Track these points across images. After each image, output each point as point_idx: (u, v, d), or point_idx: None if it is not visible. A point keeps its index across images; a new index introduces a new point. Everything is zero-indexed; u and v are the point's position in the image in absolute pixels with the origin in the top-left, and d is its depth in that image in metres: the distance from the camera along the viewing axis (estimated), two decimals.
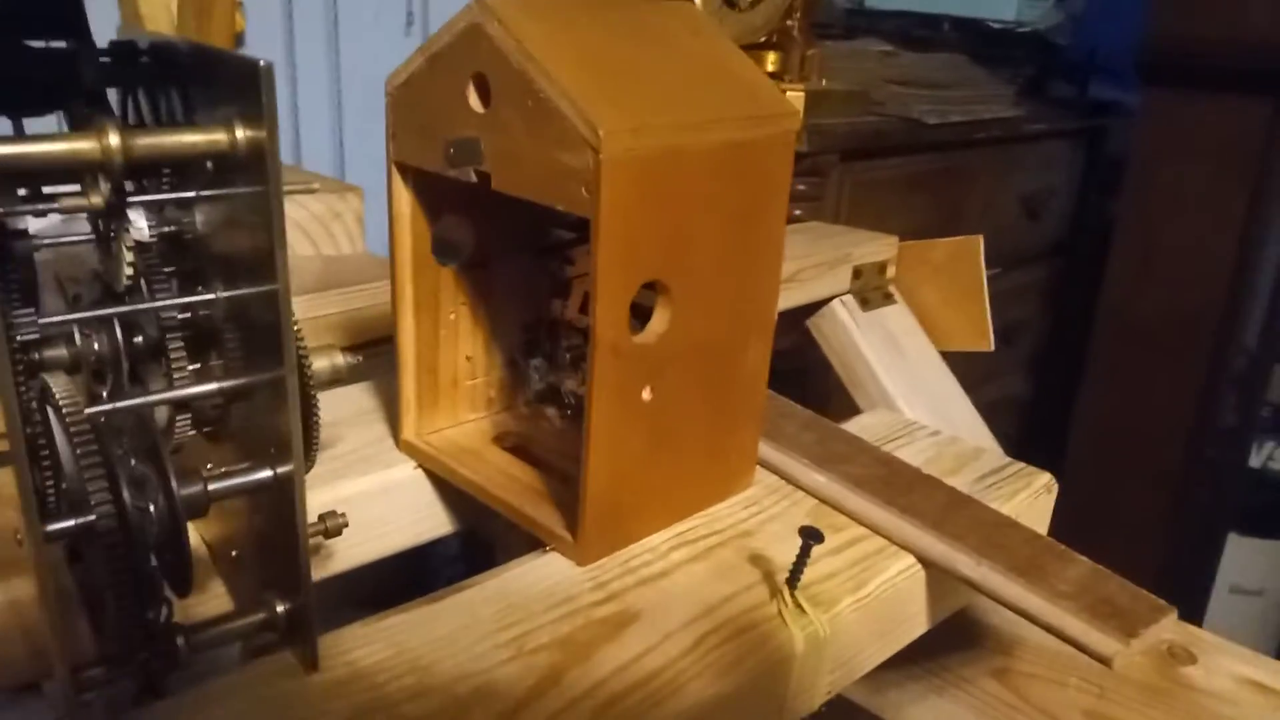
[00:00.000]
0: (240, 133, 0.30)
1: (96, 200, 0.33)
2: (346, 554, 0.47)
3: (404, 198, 0.46)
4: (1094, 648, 0.40)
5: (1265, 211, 1.28)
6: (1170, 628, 0.41)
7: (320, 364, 0.39)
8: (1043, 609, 0.41)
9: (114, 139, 0.29)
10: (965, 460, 0.54)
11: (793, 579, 0.41)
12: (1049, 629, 0.41)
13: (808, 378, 0.91)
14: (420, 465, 0.49)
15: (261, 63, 0.28)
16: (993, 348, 0.81)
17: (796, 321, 0.81)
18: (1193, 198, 1.30)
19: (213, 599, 0.42)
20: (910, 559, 0.45)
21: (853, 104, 1.14)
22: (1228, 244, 1.28)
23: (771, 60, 1.03)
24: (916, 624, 0.47)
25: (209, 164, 0.33)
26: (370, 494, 0.48)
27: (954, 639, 0.53)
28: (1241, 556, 1.52)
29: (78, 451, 0.30)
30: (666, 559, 0.43)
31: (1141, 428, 1.38)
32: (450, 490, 0.50)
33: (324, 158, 1.16)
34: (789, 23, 1.01)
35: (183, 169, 0.36)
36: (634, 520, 0.44)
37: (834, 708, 0.43)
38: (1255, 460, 1.58)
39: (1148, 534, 1.39)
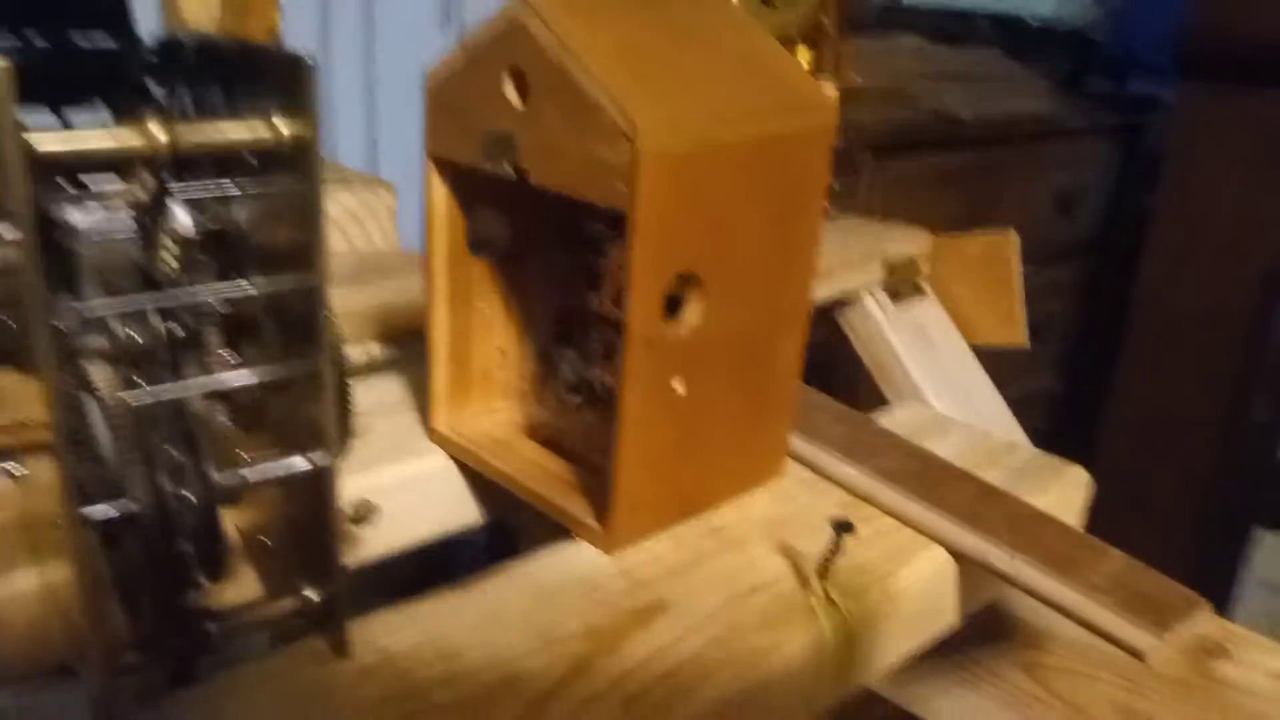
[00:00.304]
0: (283, 126, 0.31)
1: (139, 192, 0.34)
2: (376, 542, 0.47)
3: (440, 191, 0.46)
4: (1127, 641, 0.39)
5: None
6: (1204, 622, 0.40)
7: (355, 354, 0.40)
8: (1076, 602, 0.41)
9: (159, 131, 0.30)
10: (998, 454, 0.54)
11: (823, 570, 0.41)
12: (1082, 622, 0.41)
13: (833, 371, 0.90)
14: (450, 455, 0.50)
15: (306, 56, 0.29)
16: (1028, 344, 0.80)
17: (825, 315, 0.81)
18: (1229, 193, 1.28)
19: (244, 585, 0.42)
20: (941, 552, 0.45)
21: (887, 101, 1.14)
22: (1263, 241, 1.26)
23: (805, 56, 1.02)
24: (947, 617, 0.47)
25: (250, 157, 0.34)
26: (401, 483, 0.48)
27: (983, 632, 0.53)
28: (1271, 553, 1.49)
29: (116, 438, 0.31)
30: (696, 549, 0.44)
31: (1173, 422, 1.37)
32: (479, 480, 0.50)
33: (357, 154, 1.17)
34: (823, 19, 1.01)
35: (224, 163, 0.36)
36: (663, 510, 0.44)
37: (862, 699, 0.43)
38: None
39: (1176, 528, 1.37)
